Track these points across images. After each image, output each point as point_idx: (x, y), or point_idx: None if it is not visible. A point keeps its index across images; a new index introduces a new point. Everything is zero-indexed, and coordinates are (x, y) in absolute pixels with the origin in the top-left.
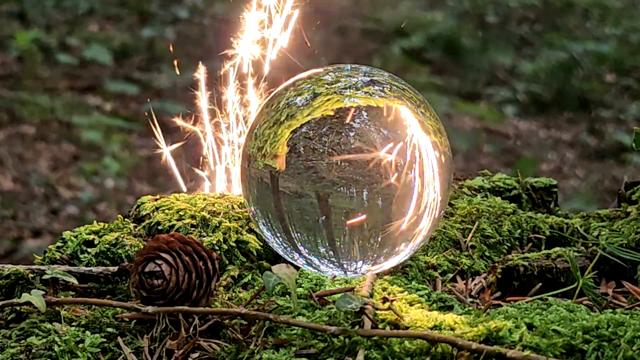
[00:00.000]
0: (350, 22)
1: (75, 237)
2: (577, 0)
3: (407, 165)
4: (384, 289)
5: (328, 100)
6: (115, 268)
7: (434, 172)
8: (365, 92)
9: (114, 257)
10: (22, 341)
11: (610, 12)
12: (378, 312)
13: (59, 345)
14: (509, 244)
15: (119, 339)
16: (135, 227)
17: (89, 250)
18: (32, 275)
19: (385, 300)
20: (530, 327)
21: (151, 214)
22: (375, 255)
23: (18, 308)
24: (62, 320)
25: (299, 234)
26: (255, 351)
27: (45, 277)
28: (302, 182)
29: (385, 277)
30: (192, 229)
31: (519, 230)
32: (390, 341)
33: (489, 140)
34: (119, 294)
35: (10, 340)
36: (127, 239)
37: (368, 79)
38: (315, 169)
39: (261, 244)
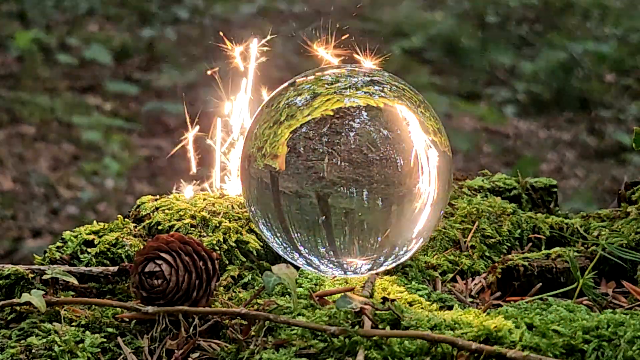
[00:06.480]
0: (350, 22)
1: (75, 237)
2: (577, 0)
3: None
4: (384, 289)
5: (328, 100)
6: (115, 268)
7: (433, 172)
8: (365, 92)
9: (114, 257)
10: (22, 341)
11: (610, 12)
12: (378, 312)
13: (59, 345)
14: (509, 244)
15: (119, 339)
16: (135, 227)
17: (89, 250)
18: (32, 275)
19: (385, 300)
20: (530, 327)
21: (151, 214)
22: (375, 255)
23: (18, 308)
24: (62, 320)
25: (299, 234)
26: (255, 351)
27: (45, 277)
28: (302, 182)
29: (385, 277)
30: (192, 229)
31: (519, 230)
32: (390, 341)
33: (489, 140)
34: (119, 294)
35: (10, 340)
36: (127, 239)
37: (368, 79)
38: (315, 169)
39: (261, 244)
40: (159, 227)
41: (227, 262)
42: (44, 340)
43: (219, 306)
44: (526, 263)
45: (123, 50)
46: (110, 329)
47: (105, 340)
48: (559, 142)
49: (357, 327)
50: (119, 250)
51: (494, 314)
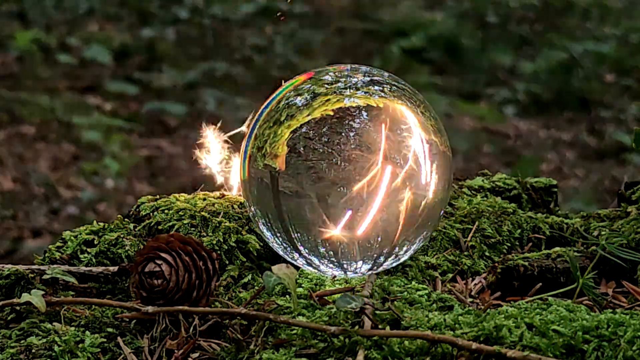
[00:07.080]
0: (350, 22)
1: (75, 237)
2: (577, 0)
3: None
4: (384, 289)
5: (328, 100)
6: (115, 268)
7: (433, 172)
8: (365, 92)
9: (114, 257)
10: (22, 341)
11: (610, 12)
12: (378, 312)
13: (59, 345)
14: (509, 244)
15: (119, 339)
16: (135, 227)
17: (89, 250)
18: (32, 275)
19: (385, 300)
20: (530, 327)
21: (151, 214)
22: (375, 255)
23: (18, 308)
24: (62, 320)
25: (299, 234)
26: (255, 351)
27: (45, 277)
28: (302, 182)
29: (385, 277)
30: (192, 229)
31: (519, 230)
32: (390, 341)
33: (489, 140)
34: (119, 294)
35: (10, 340)
36: (127, 239)
37: (368, 79)
38: (315, 169)
39: (261, 244)
40: (159, 227)
41: (227, 262)
42: (44, 340)
43: (219, 306)
44: (526, 263)
45: (123, 50)
46: (110, 329)
47: (105, 340)
48: (559, 142)
49: (357, 327)
50: (119, 250)
51: (494, 314)
